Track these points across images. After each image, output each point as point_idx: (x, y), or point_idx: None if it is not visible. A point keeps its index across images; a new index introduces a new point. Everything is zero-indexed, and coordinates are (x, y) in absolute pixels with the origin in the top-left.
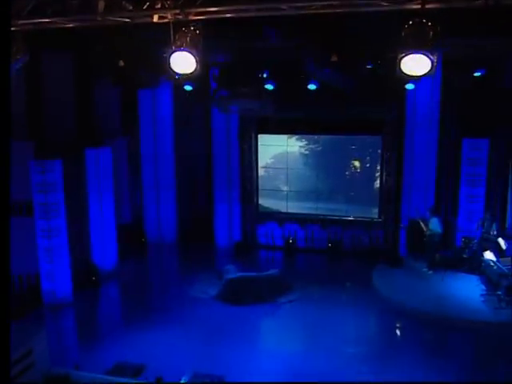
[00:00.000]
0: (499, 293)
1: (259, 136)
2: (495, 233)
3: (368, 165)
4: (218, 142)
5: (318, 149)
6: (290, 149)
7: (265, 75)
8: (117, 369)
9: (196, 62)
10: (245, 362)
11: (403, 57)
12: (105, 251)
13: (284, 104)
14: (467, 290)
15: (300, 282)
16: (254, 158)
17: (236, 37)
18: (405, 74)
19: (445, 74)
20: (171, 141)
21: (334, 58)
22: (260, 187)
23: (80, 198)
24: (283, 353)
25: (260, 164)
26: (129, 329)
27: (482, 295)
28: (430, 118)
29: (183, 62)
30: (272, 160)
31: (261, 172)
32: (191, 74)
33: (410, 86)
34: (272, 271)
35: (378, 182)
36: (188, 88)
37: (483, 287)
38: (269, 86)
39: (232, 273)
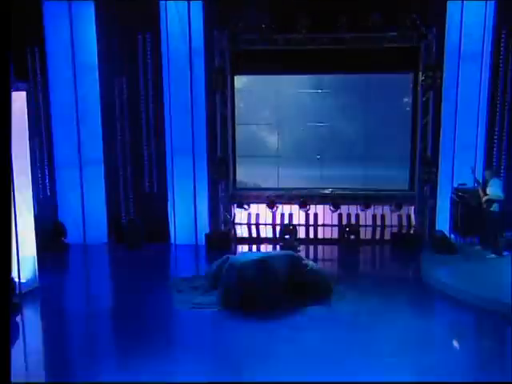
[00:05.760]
0: None
1: (236, 78)
2: None
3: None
4: (175, 88)
5: (324, 94)
6: (281, 95)
7: None
8: None
9: None
10: None
11: None
12: (19, 259)
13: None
14: None
15: None
16: (229, 109)
17: None
18: None
19: None
20: (99, 89)
21: None
22: (238, 153)
23: None
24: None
25: (238, 119)
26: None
27: None
28: (481, 46)
29: None
30: (256, 112)
31: (239, 130)
32: None
33: None
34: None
35: (409, 137)
36: None
37: None
38: None
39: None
